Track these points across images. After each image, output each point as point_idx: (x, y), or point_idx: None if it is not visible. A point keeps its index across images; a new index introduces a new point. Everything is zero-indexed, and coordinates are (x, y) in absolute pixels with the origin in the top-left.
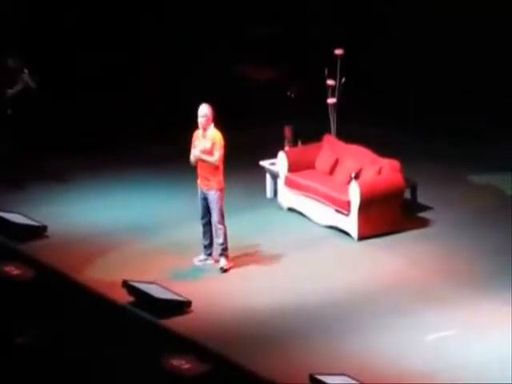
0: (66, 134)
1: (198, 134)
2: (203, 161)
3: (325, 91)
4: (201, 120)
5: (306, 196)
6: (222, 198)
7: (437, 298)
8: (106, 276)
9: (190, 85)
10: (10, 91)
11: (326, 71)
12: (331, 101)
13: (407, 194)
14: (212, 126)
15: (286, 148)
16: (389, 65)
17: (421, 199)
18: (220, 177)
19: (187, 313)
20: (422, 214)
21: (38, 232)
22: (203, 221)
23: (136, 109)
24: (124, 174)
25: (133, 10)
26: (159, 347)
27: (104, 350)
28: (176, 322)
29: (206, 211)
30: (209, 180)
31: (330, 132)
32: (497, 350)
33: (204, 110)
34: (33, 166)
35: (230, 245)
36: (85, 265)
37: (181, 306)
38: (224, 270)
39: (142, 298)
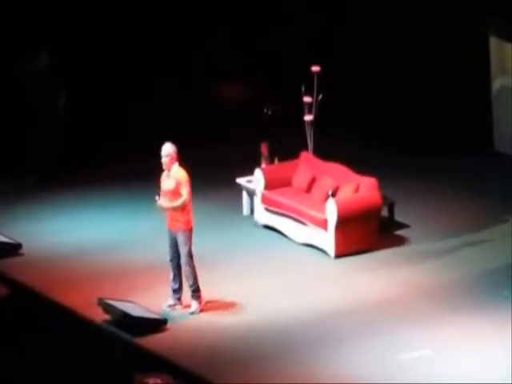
0: (40, 151)
1: (162, 174)
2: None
3: (302, 108)
4: (164, 160)
5: (283, 214)
6: (190, 239)
7: (413, 316)
8: (82, 294)
9: (165, 101)
10: None
11: (303, 88)
12: (308, 118)
13: (384, 212)
14: (176, 164)
15: (263, 165)
16: (365, 81)
17: (398, 217)
18: (188, 216)
19: (163, 331)
20: (399, 232)
21: (13, 250)
22: (172, 264)
23: (111, 124)
24: (99, 191)
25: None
26: (134, 365)
27: (79, 369)
28: (151, 341)
29: (175, 253)
30: (177, 221)
31: (307, 149)
32: (472, 369)
33: (167, 150)
34: (7, 182)
35: (206, 261)
36: (60, 283)
37: (156, 325)
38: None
39: (118, 316)
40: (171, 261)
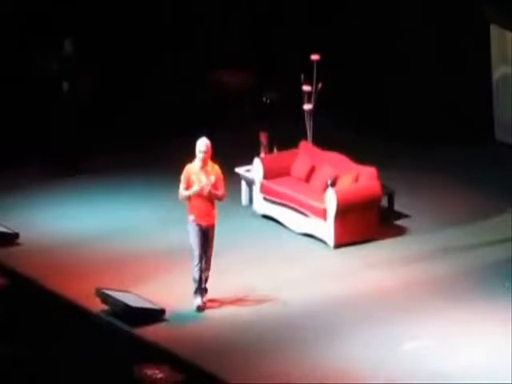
0: (39, 140)
1: (191, 169)
2: (202, 195)
3: (301, 97)
4: (202, 156)
5: (282, 203)
6: None
7: (413, 306)
8: (80, 284)
9: (165, 90)
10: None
11: (302, 77)
12: (307, 107)
13: (384, 202)
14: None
15: (262, 155)
16: (366, 71)
17: (398, 207)
18: (215, 210)
19: (162, 321)
20: (398, 222)
21: (10, 239)
22: (201, 263)
23: (110, 113)
24: (97, 180)
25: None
26: (132, 356)
27: (76, 359)
28: (150, 331)
29: (204, 247)
30: (210, 215)
31: (306, 138)
32: (472, 360)
33: (206, 145)
34: (4, 171)
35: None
36: (58, 273)
37: (155, 315)
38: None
39: (116, 307)
40: (201, 258)
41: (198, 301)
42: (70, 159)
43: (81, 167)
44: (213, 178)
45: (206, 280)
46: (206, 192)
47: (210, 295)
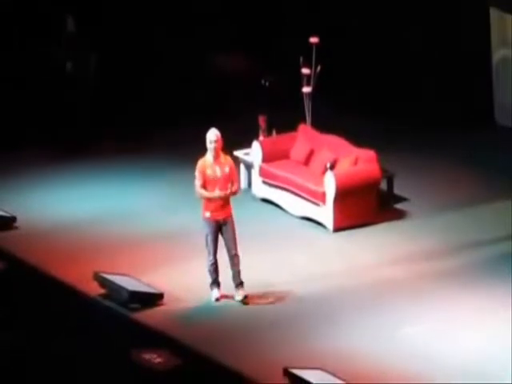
0: (34, 124)
1: (205, 162)
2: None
3: (300, 80)
4: (214, 146)
5: (281, 187)
6: None
7: (412, 291)
8: (77, 268)
9: (164, 74)
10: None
11: (301, 60)
12: (306, 90)
13: (383, 185)
14: None
15: (261, 138)
16: (364, 52)
17: (397, 190)
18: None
19: (159, 305)
20: (398, 206)
21: (7, 223)
22: (214, 256)
23: (108, 100)
24: (94, 164)
25: None
26: (130, 340)
27: (74, 343)
28: (148, 315)
29: (217, 243)
30: (225, 209)
31: (305, 121)
32: (473, 345)
33: (217, 134)
34: (1, 154)
35: (200, 236)
36: (55, 256)
37: (153, 299)
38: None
39: (114, 291)
40: (215, 255)
41: (214, 293)
42: (76, 140)
43: (88, 148)
44: (227, 169)
45: (239, 274)
46: (225, 194)
47: (207, 279)
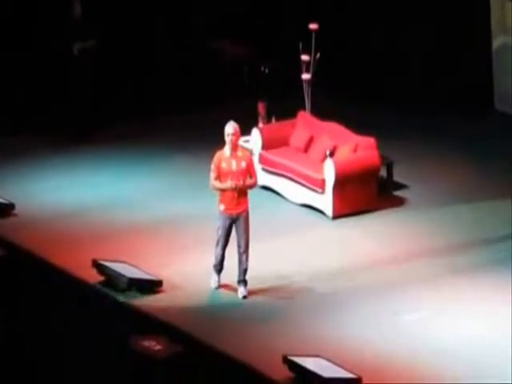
0: (33, 110)
1: (222, 156)
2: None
3: (299, 67)
4: (231, 138)
5: (280, 174)
6: None
7: (412, 277)
8: (76, 255)
9: (164, 62)
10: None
11: (301, 46)
12: (306, 76)
13: (383, 172)
14: None
15: (260, 125)
16: (364, 39)
17: (397, 177)
18: (248, 198)
19: (158, 292)
20: (398, 193)
21: (6, 210)
22: (223, 251)
23: (105, 84)
24: (93, 151)
25: None
26: (129, 328)
27: (73, 330)
28: (147, 302)
29: (228, 238)
30: (240, 203)
31: (304, 108)
32: (472, 330)
33: (235, 127)
34: (0, 141)
35: (203, 222)
36: (54, 243)
37: (152, 286)
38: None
39: (113, 278)
40: (223, 248)
41: (214, 279)
42: (82, 124)
43: (88, 134)
44: (244, 164)
45: (246, 272)
46: (239, 185)
47: (207, 266)
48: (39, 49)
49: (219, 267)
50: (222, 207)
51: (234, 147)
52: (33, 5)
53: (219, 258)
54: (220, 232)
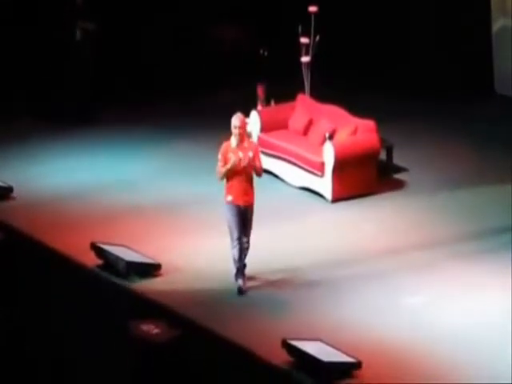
0: (32, 94)
1: (227, 147)
2: (240, 174)
3: (299, 49)
4: (238, 131)
5: (280, 157)
6: None
7: (412, 261)
8: (74, 238)
9: (161, 45)
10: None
11: (300, 29)
12: (305, 59)
13: (383, 155)
14: None
15: (259, 107)
16: (364, 23)
17: (397, 160)
18: (254, 189)
19: (157, 276)
20: (397, 176)
21: (4, 193)
22: (239, 242)
23: (106, 69)
24: (93, 134)
25: None
26: (128, 311)
27: (71, 314)
28: (145, 286)
29: (242, 228)
30: (247, 194)
31: (303, 91)
32: (472, 316)
33: (240, 120)
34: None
35: (202, 206)
36: (52, 227)
37: (150, 269)
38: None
39: (111, 261)
40: (239, 238)
41: (239, 282)
42: (82, 108)
43: (87, 118)
44: (251, 154)
45: (245, 256)
46: (244, 163)
47: (206, 249)
48: (41, 35)
49: (239, 265)
50: (229, 197)
51: (241, 139)
52: None
53: (237, 252)
54: (232, 223)
